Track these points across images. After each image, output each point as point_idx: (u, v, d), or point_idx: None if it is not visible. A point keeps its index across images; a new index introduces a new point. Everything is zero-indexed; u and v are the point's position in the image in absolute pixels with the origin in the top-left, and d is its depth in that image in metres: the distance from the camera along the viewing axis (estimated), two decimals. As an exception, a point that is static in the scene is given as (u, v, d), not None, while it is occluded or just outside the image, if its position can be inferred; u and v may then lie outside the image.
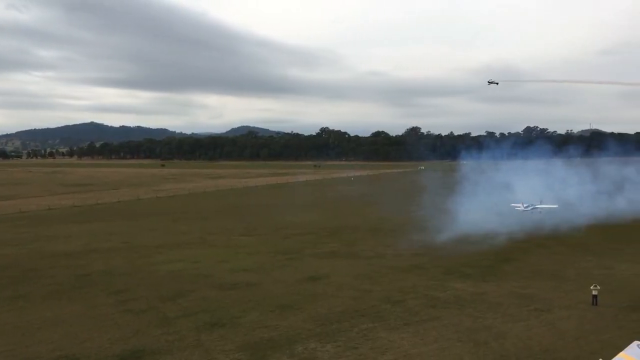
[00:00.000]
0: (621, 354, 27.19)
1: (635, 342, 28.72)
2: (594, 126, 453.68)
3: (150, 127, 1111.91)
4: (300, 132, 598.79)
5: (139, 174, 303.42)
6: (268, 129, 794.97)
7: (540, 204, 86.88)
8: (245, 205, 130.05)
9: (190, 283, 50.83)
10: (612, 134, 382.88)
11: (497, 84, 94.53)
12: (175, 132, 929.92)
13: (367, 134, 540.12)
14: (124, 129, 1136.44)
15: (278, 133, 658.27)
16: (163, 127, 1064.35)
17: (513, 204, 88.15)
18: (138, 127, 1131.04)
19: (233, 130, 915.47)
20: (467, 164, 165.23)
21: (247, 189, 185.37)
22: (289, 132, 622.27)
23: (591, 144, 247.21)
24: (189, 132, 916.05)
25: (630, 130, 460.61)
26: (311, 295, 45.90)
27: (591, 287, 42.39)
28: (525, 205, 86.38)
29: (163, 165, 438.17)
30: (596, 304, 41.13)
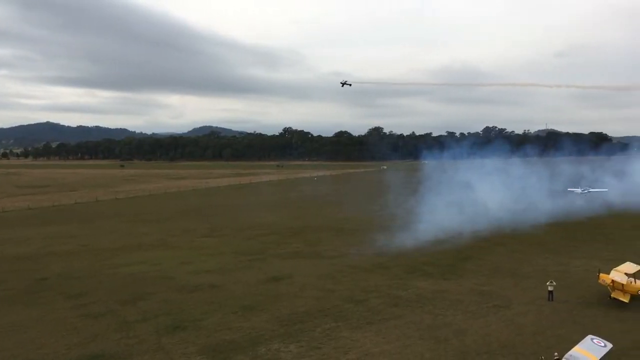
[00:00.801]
0: (576, 347, 28.10)
1: (589, 336, 29.76)
2: (550, 126, 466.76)
3: (109, 127, 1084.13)
4: (263, 132, 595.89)
5: (98, 174, 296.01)
6: (231, 129, 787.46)
7: (593, 189, 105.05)
8: (207, 206, 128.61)
9: (151, 286, 49.98)
10: (567, 133, 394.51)
11: (350, 85, 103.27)
12: (135, 132, 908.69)
13: (330, 134, 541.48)
14: (81, 129, 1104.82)
15: (241, 133, 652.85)
16: (122, 127, 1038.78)
17: (570, 188, 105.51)
18: (96, 127, 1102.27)
19: (195, 130, 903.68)
20: (429, 164, 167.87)
21: (210, 190, 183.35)
22: (252, 132, 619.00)
23: (547, 143, 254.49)
24: (149, 132, 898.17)
25: (584, 130, 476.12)
26: (274, 295, 45.78)
27: (547, 284, 43.69)
28: (582, 189, 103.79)
29: (122, 166, 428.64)
30: (552, 300, 42.38)
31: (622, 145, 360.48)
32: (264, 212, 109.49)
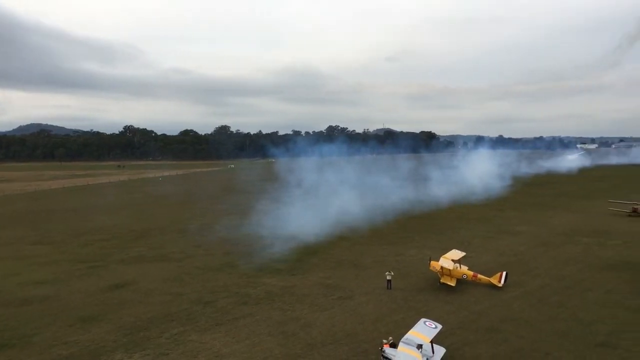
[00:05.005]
0: (411, 331, 30.58)
1: (422, 319, 32.59)
2: (387, 125, 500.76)
3: None
4: (101, 131, 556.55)
5: None
6: (64, 127, 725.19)
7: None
8: (38, 211, 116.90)
9: (-31, 303, 44.29)
10: (402, 132, 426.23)
11: None
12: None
13: (175, 133, 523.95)
14: None
15: (76, 132, 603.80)
16: None
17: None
18: None
19: (21, 128, 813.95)
20: (277, 161, 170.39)
21: (41, 193, 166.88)
22: (89, 130, 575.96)
23: (385, 141, 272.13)
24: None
25: (417, 129, 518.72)
26: (116, 304, 43.29)
27: (386, 273, 46.97)
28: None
29: None
30: (390, 288, 45.62)
31: (448, 142, 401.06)
32: (104, 215, 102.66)
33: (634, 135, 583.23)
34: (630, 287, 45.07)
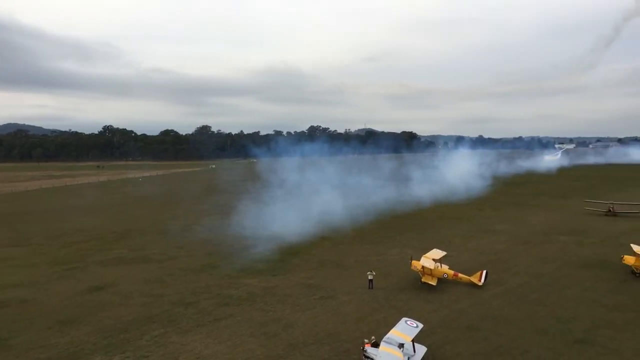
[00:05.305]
0: (392, 330, 30.72)
1: (404, 319, 32.77)
2: (368, 125, 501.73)
3: None
4: (80, 131, 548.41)
5: None
6: (42, 127, 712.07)
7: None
8: (15, 212, 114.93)
9: (-56, 307, 43.39)
10: (383, 132, 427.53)
11: None
12: None
13: (156, 133, 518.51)
14: None
15: (54, 131, 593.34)
16: None
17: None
18: None
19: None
20: (259, 162, 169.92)
21: (17, 195, 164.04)
22: (67, 130, 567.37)
23: (367, 141, 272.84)
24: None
25: (398, 129, 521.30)
26: (96, 306, 42.80)
27: (368, 273, 47.17)
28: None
29: None
30: (372, 288, 45.82)
31: (429, 142, 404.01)
32: (83, 216, 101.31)
33: (611, 136, 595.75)
34: (606, 285, 45.92)
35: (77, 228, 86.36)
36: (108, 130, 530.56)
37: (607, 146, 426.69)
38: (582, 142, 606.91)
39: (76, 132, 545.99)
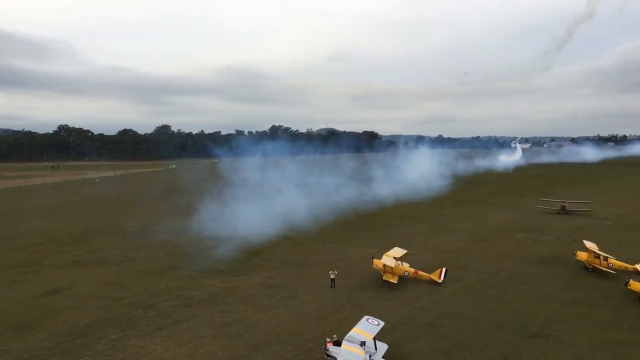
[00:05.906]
0: (354, 328, 30.94)
1: (365, 317, 33.05)
2: (330, 125, 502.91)
3: None
4: (34, 130, 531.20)
5: None
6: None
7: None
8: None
9: None
10: (344, 132, 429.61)
11: None
12: None
13: (114, 132, 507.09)
14: None
15: (5, 131, 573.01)
16: None
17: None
18: None
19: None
20: (220, 162, 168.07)
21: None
22: (20, 129, 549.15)
23: (328, 141, 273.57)
24: None
25: (359, 129, 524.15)
26: (51, 310, 41.58)
27: (330, 272, 47.32)
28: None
29: None
30: (334, 287, 46.00)
31: (390, 142, 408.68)
32: (37, 218, 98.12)
33: (564, 135, 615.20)
34: (561, 281, 47.42)
35: (31, 230, 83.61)
36: (64, 129, 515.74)
37: (560, 145, 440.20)
38: (537, 142, 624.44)
39: (30, 132, 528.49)
